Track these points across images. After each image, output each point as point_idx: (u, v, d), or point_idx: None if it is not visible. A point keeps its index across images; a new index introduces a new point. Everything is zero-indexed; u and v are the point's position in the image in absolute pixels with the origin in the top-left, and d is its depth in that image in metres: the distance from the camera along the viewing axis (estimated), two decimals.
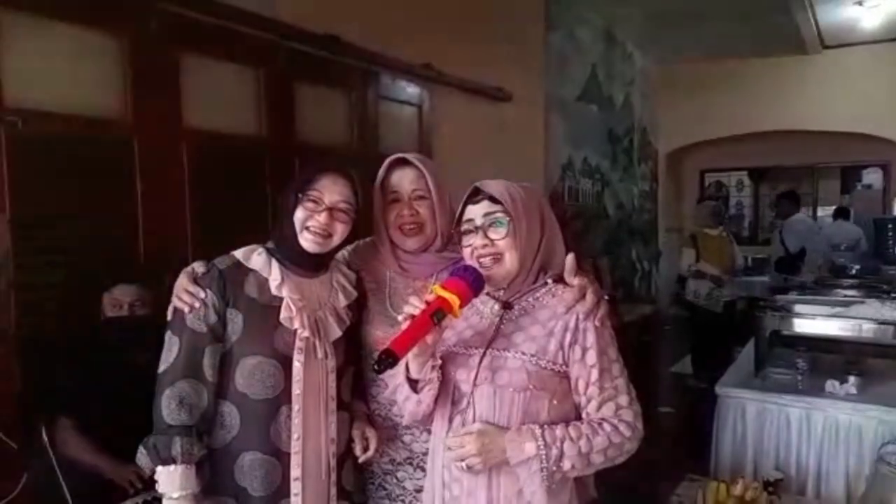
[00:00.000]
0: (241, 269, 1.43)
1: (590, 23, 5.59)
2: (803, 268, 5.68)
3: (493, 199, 1.32)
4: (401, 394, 1.35)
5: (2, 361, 1.83)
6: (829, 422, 2.51)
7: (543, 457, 1.20)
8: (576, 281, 1.32)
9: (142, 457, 1.34)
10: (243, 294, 1.41)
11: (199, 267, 1.43)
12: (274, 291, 1.42)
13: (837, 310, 2.95)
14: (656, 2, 5.33)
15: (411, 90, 3.48)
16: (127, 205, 2.18)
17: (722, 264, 5.14)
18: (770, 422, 2.62)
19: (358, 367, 1.58)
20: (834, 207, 7.53)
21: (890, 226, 6.53)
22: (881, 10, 5.69)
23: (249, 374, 1.39)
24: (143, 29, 2.21)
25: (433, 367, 1.30)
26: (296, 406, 1.40)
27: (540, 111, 4.83)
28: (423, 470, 1.48)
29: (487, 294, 1.35)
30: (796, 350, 2.77)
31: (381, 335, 1.52)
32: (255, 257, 1.45)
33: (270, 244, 1.48)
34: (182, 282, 1.41)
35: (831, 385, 2.60)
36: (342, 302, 1.51)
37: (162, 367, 1.38)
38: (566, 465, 1.22)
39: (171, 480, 1.32)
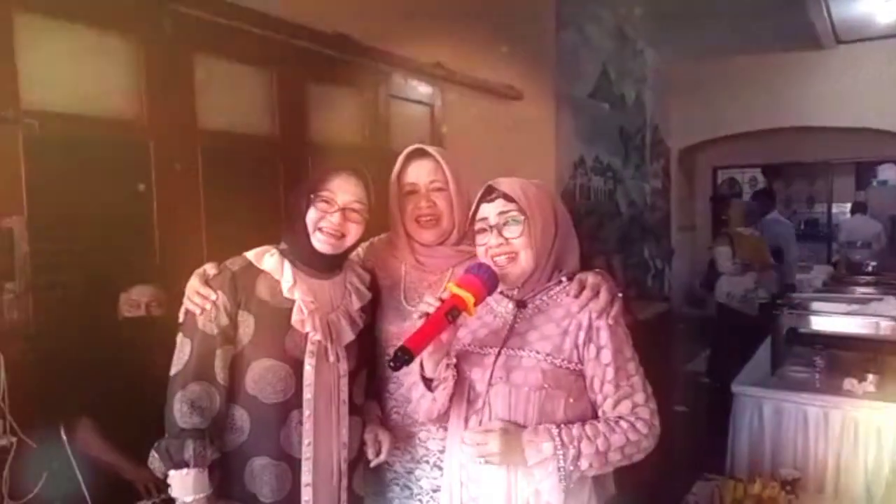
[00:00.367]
0: (252, 271, 1.42)
1: (601, 20, 5.56)
2: (783, 268, 5.57)
3: (507, 198, 1.32)
4: (416, 392, 1.35)
5: (20, 361, 1.84)
6: (847, 420, 2.49)
7: (561, 457, 1.20)
8: (589, 279, 1.31)
9: (154, 460, 1.34)
10: (255, 296, 1.40)
11: (210, 269, 1.43)
12: (286, 294, 1.40)
13: (855, 307, 2.93)
14: None
15: (423, 89, 3.48)
16: (142, 205, 2.19)
17: (764, 264, 4.98)
18: (787, 420, 2.60)
19: (371, 367, 1.56)
20: (850, 204, 7.47)
21: None
22: None
23: (260, 378, 1.38)
24: (157, 30, 2.23)
25: (448, 366, 1.29)
26: (307, 411, 1.39)
27: (551, 109, 4.81)
28: (440, 468, 1.48)
29: (501, 293, 1.35)
30: (814, 348, 2.75)
31: (394, 330, 1.53)
32: (268, 259, 1.43)
33: (283, 245, 1.47)
34: (193, 284, 1.40)
35: (849, 383, 2.57)
36: (356, 304, 1.49)
37: (174, 370, 1.37)
38: (584, 464, 1.21)
39: (184, 484, 1.32)
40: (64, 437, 1.85)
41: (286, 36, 2.63)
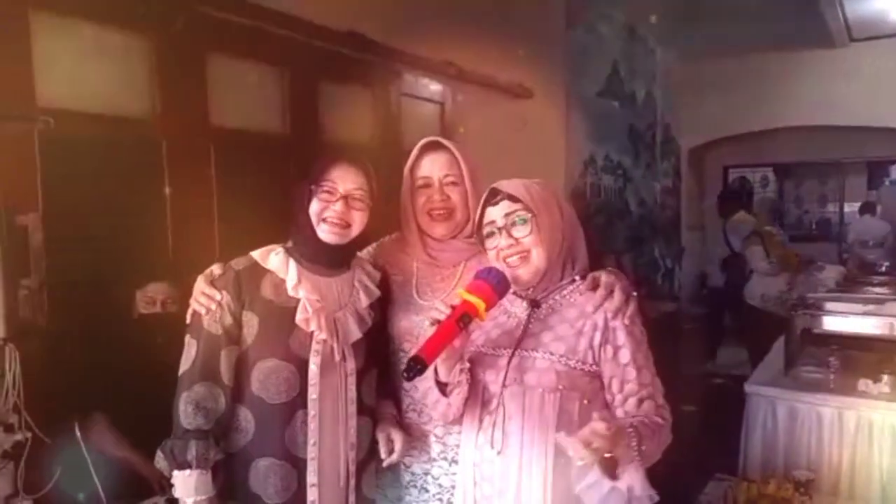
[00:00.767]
0: (257, 270, 1.42)
1: (611, 18, 5.54)
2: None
3: (511, 199, 1.31)
4: (431, 397, 1.35)
5: (35, 357, 1.85)
6: (862, 421, 2.46)
7: (636, 457, 1.13)
8: (603, 278, 1.30)
9: (160, 460, 1.34)
10: (259, 296, 1.39)
11: (216, 269, 1.42)
12: (290, 292, 1.39)
13: (870, 307, 2.90)
14: None
15: (433, 88, 3.48)
16: (156, 203, 2.20)
17: (791, 264, 4.84)
18: (801, 421, 2.58)
19: (385, 366, 1.55)
20: (860, 203, 7.41)
21: None
22: None
23: (265, 378, 1.37)
24: (170, 29, 2.23)
25: (461, 370, 1.29)
26: (312, 411, 1.38)
27: (561, 108, 4.80)
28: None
29: (514, 293, 1.34)
30: (828, 348, 2.73)
31: (406, 325, 1.52)
32: (273, 258, 1.42)
33: (290, 244, 1.47)
34: (199, 285, 1.40)
35: (864, 384, 2.55)
36: (364, 302, 1.48)
37: (181, 370, 1.37)
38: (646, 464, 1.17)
39: (187, 485, 1.31)
40: (78, 434, 1.86)
41: (298, 34, 2.64)
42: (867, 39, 6.56)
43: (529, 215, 1.30)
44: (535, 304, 1.33)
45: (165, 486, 1.78)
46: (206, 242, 2.32)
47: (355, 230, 1.44)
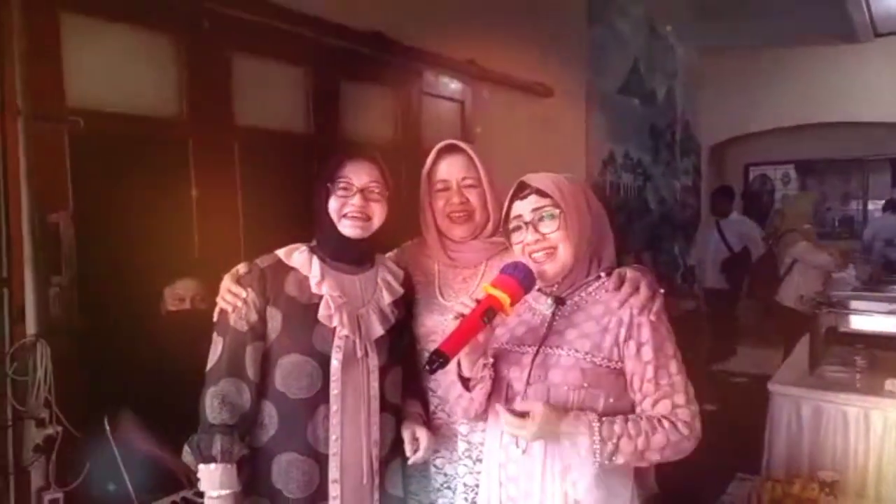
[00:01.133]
0: (282, 268, 1.43)
1: (631, 15, 5.50)
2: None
3: (540, 193, 1.30)
4: (454, 392, 1.34)
5: (66, 353, 1.88)
6: (889, 422, 2.42)
7: (597, 451, 1.18)
8: (628, 274, 1.29)
9: (186, 454, 1.36)
10: (283, 292, 1.41)
11: (242, 268, 1.45)
12: (314, 289, 1.41)
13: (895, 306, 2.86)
14: None
15: (454, 86, 3.48)
16: (182, 201, 2.23)
17: (849, 257, 4.70)
18: (826, 421, 2.54)
19: (411, 365, 1.56)
20: (883, 201, 7.29)
21: None
22: None
23: (288, 373, 1.39)
24: (196, 30, 2.26)
25: (484, 365, 1.29)
26: (334, 406, 1.39)
27: (581, 106, 4.78)
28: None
29: (539, 290, 1.33)
30: (854, 347, 2.70)
31: (430, 325, 1.53)
32: (297, 255, 1.44)
33: (314, 242, 1.48)
34: (226, 283, 1.43)
35: (891, 384, 2.51)
36: (387, 299, 1.49)
37: (207, 367, 1.40)
38: (619, 460, 1.19)
39: (212, 479, 1.33)
40: (107, 428, 1.89)
41: (321, 34, 2.65)
42: (892, 34, 6.45)
43: (557, 211, 1.28)
44: (560, 301, 1.31)
45: (193, 480, 1.81)
46: (232, 240, 2.34)
47: (376, 222, 1.46)
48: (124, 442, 1.90)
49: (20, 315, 1.84)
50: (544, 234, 1.29)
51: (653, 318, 1.26)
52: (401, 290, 1.53)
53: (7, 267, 1.83)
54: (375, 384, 1.44)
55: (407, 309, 1.56)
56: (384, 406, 1.46)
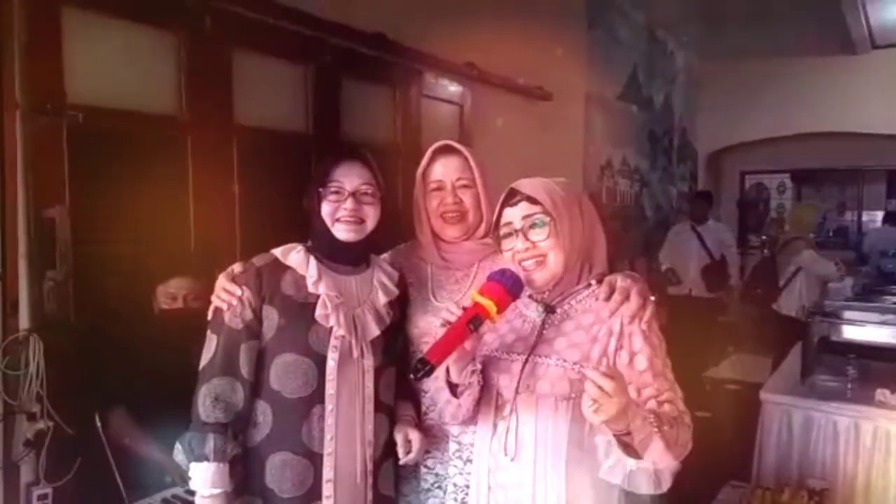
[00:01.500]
0: (278, 267, 1.43)
1: (631, 21, 5.53)
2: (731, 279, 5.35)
3: (531, 200, 1.28)
4: (441, 397, 1.34)
5: (59, 348, 1.88)
6: (879, 432, 2.44)
7: (655, 433, 1.08)
8: (619, 282, 1.28)
9: (178, 453, 1.35)
10: (280, 291, 1.41)
11: (237, 267, 1.45)
12: (310, 288, 1.41)
13: (889, 317, 2.87)
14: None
15: (453, 89, 3.49)
16: (179, 199, 2.23)
17: (852, 268, 4.74)
18: (817, 430, 2.56)
19: (404, 367, 1.54)
20: (882, 213, 7.33)
21: None
22: None
23: (283, 372, 1.39)
24: (198, 27, 2.26)
25: (472, 372, 1.28)
26: (329, 406, 1.39)
27: (580, 110, 4.80)
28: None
29: (531, 297, 1.33)
30: (845, 357, 2.71)
31: (423, 326, 1.53)
32: (293, 255, 1.44)
33: (310, 243, 1.48)
34: (220, 281, 1.42)
35: (882, 394, 2.53)
36: (382, 300, 1.49)
37: (201, 365, 1.39)
38: (659, 456, 1.10)
39: (204, 478, 1.32)
40: (99, 425, 1.89)
41: (323, 34, 2.66)
42: (890, 47, 6.50)
43: (548, 219, 1.26)
44: (549, 310, 1.30)
45: (184, 478, 1.80)
46: (228, 239, 2.34)
47: (370, 225, 1.46)
48: (115, 439, 1.89)
49: (13, 309, 1.84)
50: (534, 243, 1.27)
51: (644, 326, 1.24)
52: (396, 291, 1.53)
53: (1, 261, 1.82)
54: (370, 385, 1.44)
55: (401, 310, 1.56)
56: (378, 407, 1.46)
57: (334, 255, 1.46)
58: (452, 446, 1.52)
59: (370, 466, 1.45)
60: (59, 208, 1.89)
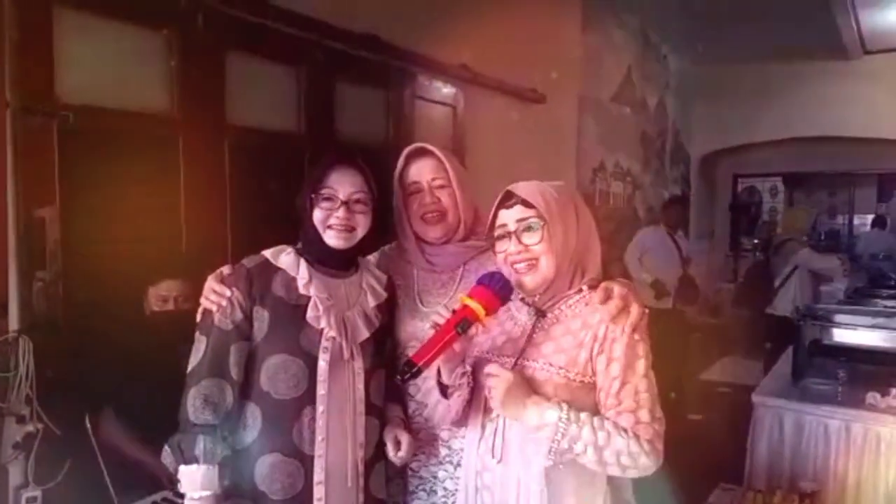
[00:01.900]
0: (269, 268, 1.43)
1: (625, 24, 5.55)
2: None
3: (526, 204, 1.28)
4: (432, 398, 1.35)
5: (49, 350, 1.87)
6: (869, 434, 2.45)
7: (562, 430, 1.16)
8: (616, 289, 1.27)
9: (167, 455, 1.34)
10: (270, 293, 1.40)
11: (226, 269, 1.44)
12: (301, 290, 1.40)
13: (880, 320, 2.89)
14: (693, 3, 5.26)
15: (447, 91, 3.49)
16: (171, 199, 2.22)
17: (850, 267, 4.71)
18: (808, 432, 2.57)
19: (392, 369, 1.54)
20: (871, 216, 7.39)
21: None
22: None
23: (274, 373, 1.38)
24: (190, 27, 2.25)
25: (463, 374, 1.28)
26: (320, 406, 1.38)
27: (573, 113, 4.80)
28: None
29: (522, 300, 1.33)
30: (837, 360, 2.72)
31: (411, 330, 1.53)
32: (284, 257, 1.44)
33: (300, 245, 1.48)
34: (209, 283, 1.42)
35: (873, 397, 2.54)
36: (371, 303, 1.48)
37: (189, 367, 1.38)
38: (579, 447, 1.16)
39: (193, 480, 1.31)
40: (89, 427, 1.88)
41: (315, 35, 2.65)
42: (881, 52, 6.54)
43: (542, 223, 1.26)
44: (540, 314, 1.29)
45: (174, 480, 1.79)
46: (219, 240, 2.33)
47: (360, 233, 1.45)
48: (105, 441, 1.88)
49: (3, 310, 1.82)
50: (527, 246, 1.27)
51: (635, 335, 1.23)
52: (384, 295, 1.53)
53: None
54: (361, 387, 1.44)
55: (390, 313, 1.56)
56: (369, 409, 1.46)
57: (324, 259, 1.46)
58: (443, 451, 1.52)
59: (361, 468, 1.44)
60: (50, 208, 1.88)
